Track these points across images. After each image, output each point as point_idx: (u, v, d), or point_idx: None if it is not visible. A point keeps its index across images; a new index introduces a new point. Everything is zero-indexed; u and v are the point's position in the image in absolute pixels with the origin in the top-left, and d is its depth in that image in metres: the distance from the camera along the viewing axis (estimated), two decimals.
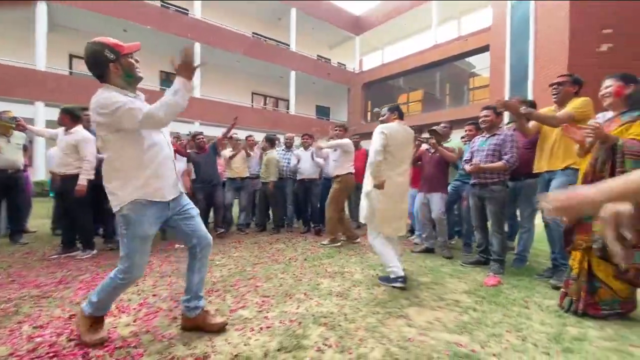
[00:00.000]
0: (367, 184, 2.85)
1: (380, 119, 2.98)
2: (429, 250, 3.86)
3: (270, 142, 5.28)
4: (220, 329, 1.92)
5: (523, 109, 2.72)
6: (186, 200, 1.91)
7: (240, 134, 10.52)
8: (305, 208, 5.25)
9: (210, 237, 1.96)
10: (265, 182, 5.09)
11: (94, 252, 3.54)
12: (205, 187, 4.63)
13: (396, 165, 2.78)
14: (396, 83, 18.84)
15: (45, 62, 10.38)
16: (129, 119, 1.63)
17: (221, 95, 14.85)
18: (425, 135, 4.11)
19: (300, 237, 4.80)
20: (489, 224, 3.18)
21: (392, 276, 2.71)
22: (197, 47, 13.38)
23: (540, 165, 2.91)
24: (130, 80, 1.77)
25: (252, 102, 17.73)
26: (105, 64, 1.70)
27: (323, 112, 20.75)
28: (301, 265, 3.29)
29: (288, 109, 17.91)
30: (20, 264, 3.15)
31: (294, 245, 4.21)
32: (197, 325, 1.93)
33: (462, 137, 4.45)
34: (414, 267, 3.30)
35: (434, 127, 3.84)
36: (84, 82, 11.19)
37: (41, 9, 10.26)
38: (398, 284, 2.66)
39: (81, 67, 12.82)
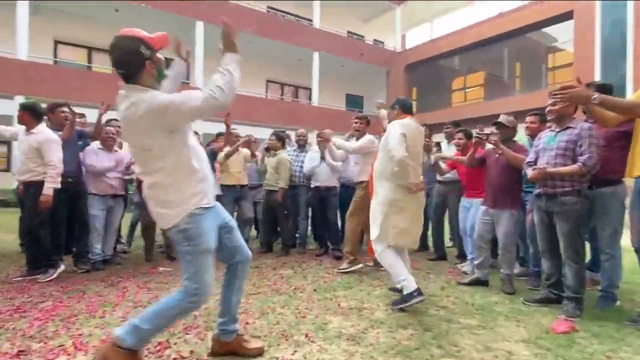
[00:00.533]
0: (384, 188, 3.09)
1: (384, 113, 3.18)
2: (480, 283, 3.66)
3: (280, 140, 5.29)
4: (259, 353, 2.16)
5: (595, 98, 2.50)
6: (222, 208, 2.06)
7: (253, 132, 10.72)
8: (322, 224, 5.21)
9: (249, 251, 2.16)
10: (272, 191, 5.10)
11: (55, 274, 3.69)
12: None
13: (414, 169, 3.04)
14: (449, 63, 18.44)
15: (27, 50, 11.25)
16: (185, 113, 1.74)
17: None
18: (490, 129, 3.88)
19: (315, 261, 4.75)
20: (561, 248, 2.95)
21: (405, 292, 2.93)
22: (200, 26, 13.92)
23: (633, 169, 2.67)
24: (160, 80, 1.89)
25: (267, 92, 18.12)
26: (142, 63, 1.79)
27: (354, 102, 20.74)
28: (308, 297, 3.25)
29: (310, 99, 18.09)
30: None
31: (304, 272, 4.17)
32: (232, 350, 2.16)
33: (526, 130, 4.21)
34: (457, 304, 3.14)
35: (499, 119, 3.64)
36: (69, 73, 12.01)
37: None
38: (416, 300, 2.87)
39: (66, 55, 13.83)
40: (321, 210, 5.07)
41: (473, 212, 4.02)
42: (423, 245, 5.46)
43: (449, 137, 5.05)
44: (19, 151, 3.68)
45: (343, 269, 4.17)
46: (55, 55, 13.48)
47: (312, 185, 5.16)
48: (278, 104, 16.99)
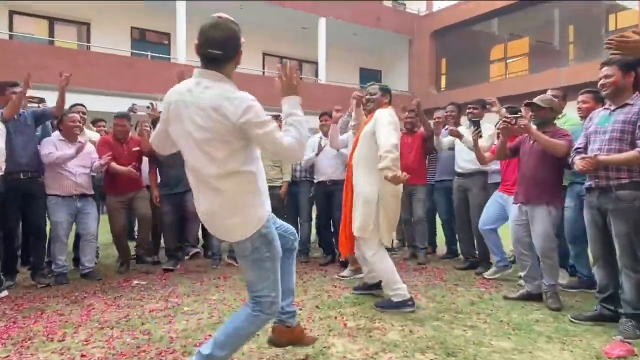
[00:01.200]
0: (373, 180, 3.37)
1: (371, 99, 3.53)
2: (532, 297, 3.62)
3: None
4: (313, 343, 2.59)
5: None
6: None
7: None
8: (328, 226, 5.22)
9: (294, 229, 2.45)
10: (272, 187, 5.09)
11: (5, 291, 3.75)
12: (174, 195, 4.78)
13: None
14: (486, 28, 18.16)
15: None
16: (261, 135, 1.91)
17: None
18: (520, 112, 3.88)
19: (319, 271, 4.77)
20: (617, 254, 2.90)
21: (397, 300, 3.32)
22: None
23: None
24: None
25: (264, 68, 18.08)
26: (236, 51, 2.01)
27: (370, 77, 20.55)
28: (309, 315, 3.26)
29: (317, 75, 18.03)
30: None
31: (305, 284, 4.19)
32: (294, 338, 2.47)
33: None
34: (489, 323, 3.11)
35: (535, 99, 3.57)
36: (27, 48, 12.11)
37: None
38: (409, 309, 3.32)
39: (24, 27, 13.96)
40: (327, 209, 5.06)
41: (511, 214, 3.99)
42: (450, 251, 5.45)
43: (475, 120, 4.98)
44: None
45: (344, 276, 4.29)
46: (10, 29, 13.64)
47: (315, 180, 5.15)
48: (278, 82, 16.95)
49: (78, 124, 4.43)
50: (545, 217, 3.44)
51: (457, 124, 5.07)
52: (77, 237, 4.70)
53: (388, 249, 5.51)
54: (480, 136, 4.29)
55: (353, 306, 3.50)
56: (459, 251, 5.28)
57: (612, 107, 2.96)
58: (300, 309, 3.38)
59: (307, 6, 16.16)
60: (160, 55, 15.29)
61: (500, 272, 4.38)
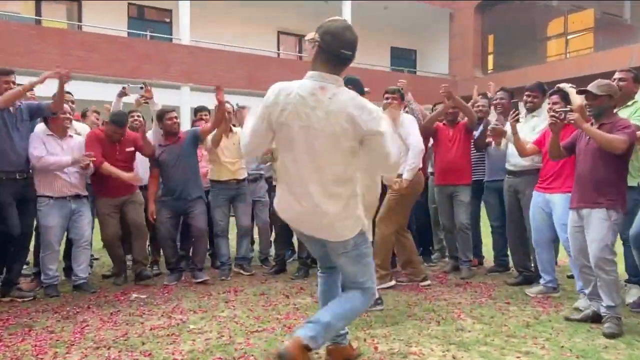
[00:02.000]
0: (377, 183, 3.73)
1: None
2: (599, 319, 3.54)
3: None
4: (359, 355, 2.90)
5: None
6: None
7: (255, 103, 10.80)
8: None
9: None
10: None
11: None
12: (177, 203, 4.84)
13: None
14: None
15: None
16: (376, 146, 2.39)
17: (225, 40, 15.41)
18: (575, 102, 3.89)
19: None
20: None
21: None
22: None
23: None
24: None
25: (279, 48, 18.17)
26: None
27: (404, 58, 20.53)
28: None
29: None
30: None
31: None
32: (348, 356, 2.82)
33: None
34: (548, 349, 3.07)
35: (589, 86, 3.53)
36: (12, 30, 12.41)
37: None
38: (378, 308, 3.82)
39: (7, 6, 14.33)
40: None
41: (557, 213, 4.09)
42: (500, 264, 5.38)
43: (504, 111, 5.01)
44: None
45: None
46: None
47: None
48: (294, 64, 16.96)
49: (68, 115, 4.52)
50: (603, 223, 3.40)
51: (507, 114, 4.99)
52: (69, 244, 4.77)
53: (426, 261, 5.57)
54: (518, 120, 4.39)
55: (385, 327, 3.49)
56: (511, 264, 5.20)
57: None
58: None
59: None
60: (161, 35, 15.52)
61: (546, 293, 4.35)
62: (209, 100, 7.32)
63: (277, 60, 16.86)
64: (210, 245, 5.56)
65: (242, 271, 5.27)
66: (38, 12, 14.68)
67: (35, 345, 3.08)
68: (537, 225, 4.30)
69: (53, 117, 4.40)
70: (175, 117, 4.94)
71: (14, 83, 4.15)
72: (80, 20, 14.90)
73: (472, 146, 5.22)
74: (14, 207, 4.04)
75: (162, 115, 4.89)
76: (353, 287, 2.55)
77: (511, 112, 4.41)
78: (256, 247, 6.21)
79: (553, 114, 3.70)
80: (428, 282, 4.72)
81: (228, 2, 16.03)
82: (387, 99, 4.56)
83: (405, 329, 3.44)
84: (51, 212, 4.32)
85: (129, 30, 15.23)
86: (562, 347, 3.11)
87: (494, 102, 5.17)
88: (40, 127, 4.49)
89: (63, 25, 14.76)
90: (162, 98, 11.07)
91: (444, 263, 5.77)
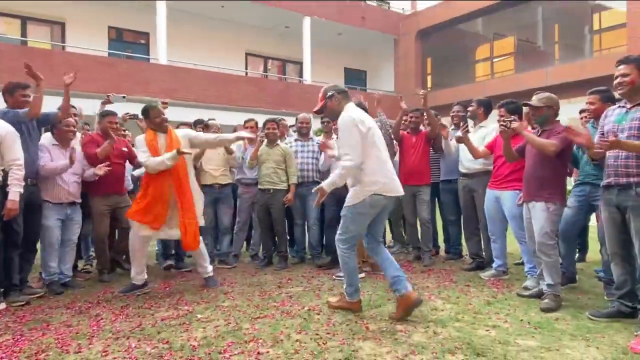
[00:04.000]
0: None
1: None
2: (540, 295, 3.71)
3: (278, 128, 5.38)
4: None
5: None
6: None
7: (230, 118, 10.63)
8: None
9: None
10: (276, 190, 5.14)
11: (2, 303, 3.68)
12: None
13: None
14: (472, 27, 18.54)
15: None
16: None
17: (198, 60, 15.19)
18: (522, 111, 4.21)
19: (326, 275, 4.80)
20: (636, 250, 3.01)
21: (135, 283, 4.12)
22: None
23: None
24: None
25: (247, 68, 18.02)
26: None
27: (355, 78, 20.76)
28: (328, 319, 3.29)
29: (301, 75, 18.06)
30: None
31: (316, 288, 4.21)
32: (412, 302, 3.26)
33: (581, 113, 4.40)
34: (510, 322, 3.20)
35: (532, 99, 3.75)
36: (40, 53, 11.73)
37: None
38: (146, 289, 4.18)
39: (36, 33, 13.59)
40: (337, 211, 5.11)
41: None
42: (456, 253, 5.55)
43: (458, 122, 5.26)
44: None
45: (341, 276, 4.35)
46: (24, 34, 13.30)
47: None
48: (261, 82, 16.92)
49: (72, 128, 4.39)
50: (543, 213, 3.58)
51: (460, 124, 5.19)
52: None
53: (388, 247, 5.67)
54: (468, 131, 4.59)
55: (370, 309, 3.54)
56: (464, 252, 5.37)
57: (629, 106, 3.08)
58: (318, 314, 3.42)
59: (292, 5, 16.19)
60: (139, 55, 15.10)
61: (497, 277, 4.53)
62: (189, 115, 7.27)
63: (244, 79, 16.69)
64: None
65: (225, 266, 5.22)
66: (23, 33, 13.97)
67: (57, 339, 2.95)
68: (492, 218, 4.46)
69: (58, 127, 4.29)
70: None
71: (28, 96, 4.01)
72: (63, 41, 14.28)
73: (431, 151, 5.37)
74: (21, 212, 3.85)
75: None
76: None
77: (461, 126, 4.62)
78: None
79: (502, 123, 3.86)
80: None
81: (202, 27, 15.83)
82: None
83: (388, 310, 3.49)
84: (50, 214, 4.21)
85: (109, 51, 14.73)
86: (521, 320, 3.26)
87: (452, 114, 5.37)
88: (46, 136, 4.36)
89: (47, 46, 14.10)
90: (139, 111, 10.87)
91: (407, 252, 5.88)
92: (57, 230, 4.25)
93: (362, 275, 4.56)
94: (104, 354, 2.70)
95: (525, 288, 4.01)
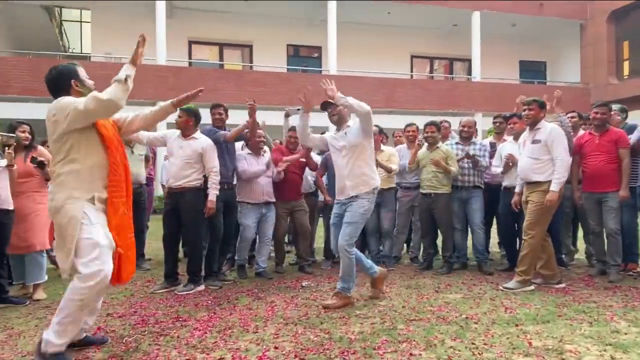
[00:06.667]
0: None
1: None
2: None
3: (438, 130, 5.29)
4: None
5: None
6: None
7: (395, 122, 10.71)
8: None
9: None
10: (438, 194, 5.11)
11: (193, 291, 4.33)
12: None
13: None
14: None
15: (165, 55, 13.66)
16: None
17: (365, 67, 15.72)
18: None
19: (489, 283, 4.57)
20: None
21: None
22: (333, 5, 14.69)
23: None
24: None
25: (412, 71, 18.01)
26: None
27: (533, 70, 18.98)
28: (486, 330, 3.16)
29: (470, 73, 17.30)
30: (142, 294, 4.28)
31: (477, 296, 4.07)
32: (386, 275, 4.17)
33: None
34: None
35: None
36: (203, 73, 14.05)
37: None
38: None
39: (200, 54, 16.21)
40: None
41: None
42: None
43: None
44: (173, 157, 4.48)
45: (510, 288, 4.24)
46: (189, 57, 16.02)
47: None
48: (427, 84, 16.72)
49: (263, 139, 5.11)
50: None
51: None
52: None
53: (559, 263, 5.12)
54: None
55: (536, 324, 3.27)
56: None
57: None
58: (475, 323, 3.30)
59: (460, 2, 15.61)
60: (312, 68, 16.39)
61: None
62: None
63: (409, 82, 16.71)
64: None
65: (386, 267, 5.31)
66: (221, 57, 16.42)
67: (240, 319, 3.45)
68: None
69: (252, 140, 4.96)
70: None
71: (220, 114, 4.78)
72: (251, 61, 16.33)
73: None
74: (221, 212, 4.60)
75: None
76: None
77: None
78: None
79: None
80: (563, 284, 4.38)
81: (368, 35, 16.34)
82: (524, 110, 4.34)
83: (557, 327, 3.19)
84: (249, 214, 4.91)
85: (288, 67, 16.32)
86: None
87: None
88: (242, 147, 5.15)
89: (238, 67, 16.31)
90: (316, 120, 11.72)
91: (590, 266, 5.21)
92: (253, 228, 4.95)
93: (532, 287, 4.26)
94: (275, 336, 3.06)
95: None
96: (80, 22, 18.04)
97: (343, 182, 3.87)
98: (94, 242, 2.62)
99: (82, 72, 2.87)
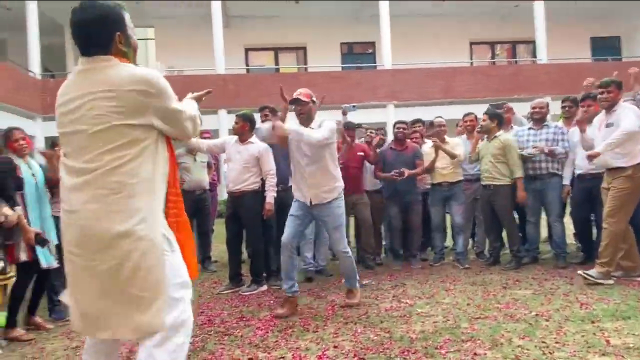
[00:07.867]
0: None
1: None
2: None
3: (497, 118, 5.05)
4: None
5: None
6: None
7: (454, 112, 10.42)
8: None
9: None
10: (498, 185, 4.87)
11: (256, 291, 4.44)
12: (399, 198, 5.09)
13: None
14: None
15: (225, 63, 14.14)
16: None
17: (421, 59, 15.32)
18: None
19: (562, 278, 4.31)
20: None
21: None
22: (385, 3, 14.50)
23: None
24: None
25: (471, 57, 17.35)
26: None
27: (607, 47, 17.55)
28: (558, 327, 2.99)
29: (534, 55, 16.34)
30: (209, 295, 4.45)
31: (548, 292, 3.87)
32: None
33: None
34: None
35: None
36: (259, 78, 14.40)
37: (216, 5, 14.04)
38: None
39: (256, 60, 16.62)
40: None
41: None
42: None
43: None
44: (232, 162, 4.63)
45: (591, 275, 3.98)
46: (247, 63, 16.49)
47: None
48: (487, 70, 16.00)
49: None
50: None
51: None
52: None
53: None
54: None
55: (615, 321, 3.04)
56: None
57: None
58: (547, 320, 3.13)
59: None
60: (366, 64, 16.28)
61: None
62: (411, 115, 7.39)
63: (469, 69, 16.07)
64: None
65: (459, 266, 5.13)
66: (276, 61, 16.75)
67: (301, 318, 3.50)
68: None
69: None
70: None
71: (266, 115, 4.86)
72: (305, 63, 16.51)
73: None
74: (275, 212, 4.66)
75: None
76: None
77: None
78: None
79: None
80: None
81: (422, 26, 15.91)
82: (602, 93, 4.03)
83: (639, 324, 2.94)
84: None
85: (342, 65, 16.31)
86: None
87: None
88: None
89: (293, 69, 16.55)
90: (370, 117, 11.64)
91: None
92: (310, 230, 4.90)
93: (611, 282, 3.97)
94: (334, 335, 3.08)
95: None
96: (146, 39, 19.12)
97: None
98: (184, 280, 1.78)
99: (129, 22, 1.85)
